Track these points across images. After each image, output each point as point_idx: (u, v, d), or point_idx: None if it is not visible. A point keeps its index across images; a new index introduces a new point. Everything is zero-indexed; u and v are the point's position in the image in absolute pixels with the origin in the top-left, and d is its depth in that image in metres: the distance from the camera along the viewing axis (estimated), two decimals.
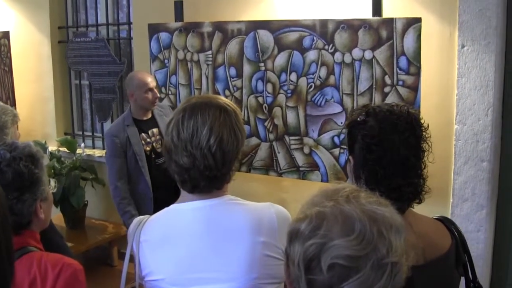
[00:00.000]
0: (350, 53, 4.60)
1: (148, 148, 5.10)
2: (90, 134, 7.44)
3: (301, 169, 5.00)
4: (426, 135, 2.14)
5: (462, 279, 2.29)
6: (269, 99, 5.04)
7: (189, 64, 5.47)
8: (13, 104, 7.29)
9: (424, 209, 2.22)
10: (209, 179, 2.12)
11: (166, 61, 5.62)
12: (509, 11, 4.29)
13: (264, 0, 5.26)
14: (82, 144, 7.11)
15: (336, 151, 4.79)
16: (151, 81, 5.06)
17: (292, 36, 4.84)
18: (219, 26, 5.24)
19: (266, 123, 5.10)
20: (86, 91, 7.40)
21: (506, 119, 4.41)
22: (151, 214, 2.31)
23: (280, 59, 4.93)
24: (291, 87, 4.91)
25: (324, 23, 4.68)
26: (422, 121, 2.15)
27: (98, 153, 7.06)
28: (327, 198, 1.45)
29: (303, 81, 4.84)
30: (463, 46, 4.35)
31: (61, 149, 7.14)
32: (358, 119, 2.14)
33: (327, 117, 4.78)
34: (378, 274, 1.32)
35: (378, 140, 2.05)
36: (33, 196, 2.24)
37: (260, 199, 2.30)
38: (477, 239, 4.47)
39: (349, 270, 1.32)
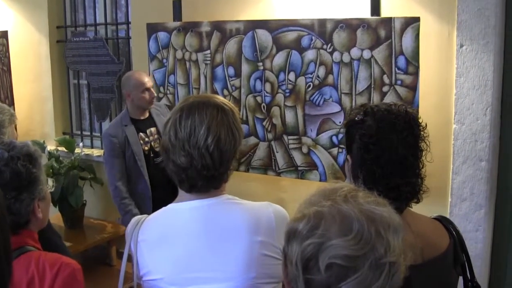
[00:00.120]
0: (349, 53, 4.60)
1: (146, 148, 5.09)
2: (89, 133, 7.44)
3: (299, 168, 5.00)
4: (424, 134, 2.13)
5: (460, 279, 2.29)
6: (268, 99, 5.04)
7: (187, 63, 5.47)
8: (12, 104, 7.30)
9: (422, 209, 2.22)
10: (206, 179, 2.12)
11: (164, 60, 5.62)
12: (508, 11, 4.29)
13: None
14: (81, 144, 7.10)
15: (335, 150, 4.79)
16: (148, 81, 5.04)
17: (291, 36, 4.84)
18: (218, 26, 5.24)
19: (264, 123, 5.10)
20: (85, 90, 7.40)
21: (504, 118, 4.41)
22: (150, 213, 2.31)
23: (279, 59, 4.93)
24: (290, 86, 4.90)
25: (322, 22, 4.68)
26: (420, 120, 2.15)
27: (96, 152, 7.06)
28: (325, 198, 1.45)
29: (301, 81, 4.84)
30: (461, 46, 4.35)
31: (59, 148, 7.14)
32: (356, 118, 2.13)
33: (326, 116, 4.78)
34: (376, 274, 1.32)
35: (376, 140, 2.05)
36: (31, 196, 2.23)
37: (259, 199, 2.30)
38: (475, 238, 4.47)
39: (347, 270, 1.31)
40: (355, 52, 4.57)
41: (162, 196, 4.30)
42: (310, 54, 4.77)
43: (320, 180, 4.88)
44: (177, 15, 5.61)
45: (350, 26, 4.56)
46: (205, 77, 5.38)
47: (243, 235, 2.10)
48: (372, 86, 4.53)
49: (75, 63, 7.12)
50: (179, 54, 5.51)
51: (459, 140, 4.45)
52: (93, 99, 7.06)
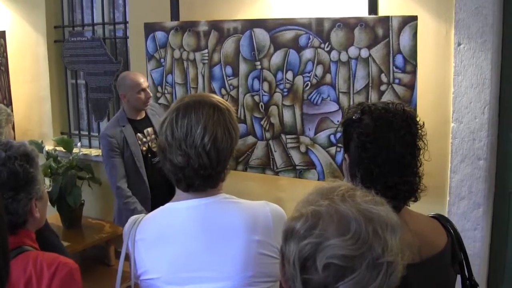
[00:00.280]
0: (346, 52, 4.60)
1: (144, 148, 5.08)
2: (87, 133, 7.43)
3: (297, 167, 5.00)
4: (422, 133, 2.13)
5: (458, 277, 2.29)
6: (265, 98, 5.04)
7: (185, 63, 5.47)
8: (10, 104, 7.28)
9: (420, 208, 2.22)
10: (203, 178, 2.12)
11: (162, 60, 5.62)
12: (505, 9, 4.29)
13: None
14: (79, 144, 7.10)
15: (333, 149, 4.79)
16: (143, 81, 5.03)
17: (288, 35, 4.84)
18: (215, 25, 5.24)
19: (262, 122, 5.10)
20: (83, 90, 7.40)
21: (502, 117, 4.41)
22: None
23: (276, 58, 4.93)
24: (287, 85, 4.90)
25: (320, 21, 4.68)
26: (417, 118, 2.14)
27: (94, 152, 7.05)
28: (323, 197, 1.44)
29: (299, 80, 4.84)
30: (459, 44, 4.35)
31: (57, 148, 7.14)
32: (354, 117, 2.13)
33: (324, 115, 4.78)
34: (373, 274, 1.32)
35: (374, 138, 2.05)
36: (28, 195, 2.23)
37: (257, 198, 2.30)
38: (473, 237, 4.47)
39: (345, 270, 1.32)
40: (352, 51, 4.57)
41: (160, 196, 4.29)
42: (308, 53, 4.77)
43: (318, 179, 4.89)
44: (175, 14, 5.61)
45: (348, 25, 4.56)
46: (203, 76, 5.38)
47: (240, 234, 2.10)
48: (370, 85, 4.53)
49: (73, 63, 7.11)
50: (176, 54, 5.51)
51: (457, 138, 4.45)
52: (91, 99, 7.06)
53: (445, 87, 4.47)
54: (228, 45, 5.18)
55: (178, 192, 2.21)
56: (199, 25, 5.33)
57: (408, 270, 1.42)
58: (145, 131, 5.13)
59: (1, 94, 7.45)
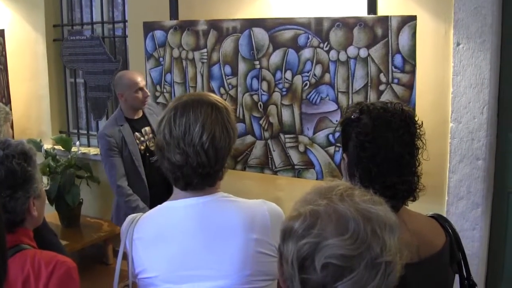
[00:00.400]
0: (345, 51, 4.59)
1: (142, 147, 5.07)
2: (85, 132, 7.43)
3: (296, 167, 5.00)
4: (421, 132, 2.13)
5: (457, 277, 2.28)
6: (264, 97, 5.04)
7: (184, 62, 5.47)
8: (8, 103, 7.28)
9: (419, 207, 2.22)
10: (202, 176, 2.12)
11: (161, 59, 5.62)
12: (504, 9, 4.29)
13: None
14: (77, 142, 7.10)
15: (331, 149, 4.79)
16: (140, 80, 5.02)
17: (287, 34, 4.84)
18: (214, 24, 5.24)
19: (261, 121, 5.10)
20: (81, 89, 7.40)
21: (501, 117, 4.41)
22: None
23: (275, 57, 4.92)
24: (286, 85, 4.90)
25: (319, 21, 4.68)
26: (416, 118, 2.14)
27: (93, 151, 7.04)
28: (321, 196, 1.44)
29: (298, 79, 4.84)
30: (458, 44, 4.35)
31: (56, 147, 7.14)
32: (352, 116, 2.13)
33: (322, 115, 4.78)
34: (372, 274, 1.32)
35: (372, 138, 2.04)
36: (26, 194, 2.23)
37: (255, 197, 2.29)
38: (472, 237, 4.47)
39: (343, 270, 1.31)
40: (351, 50, 4.57)
41: (158, 194, 4.28)
42: (306, 53, 4.76)
43: (317, 179, 4.89)
44: (174, 13, 5.61)
45: (347, 24, 4.56)
46: (202, 75, 5.38)
47: (238, 232, 2.10)
48: (369, 84, 4.52)
49: (71, 62, 7.11)
50: (175, 53, 5.51)
51: (455, 138, 4.45)
52: (89, 98, 7.06)
53: (444, 87, 4.47)
54: (227, 45, 5.18)
55: (176, 190, 2.21)
56: (198, 24, 5.33)
57: (407, 269, 1.42)
58: (142, 130, 5.12)
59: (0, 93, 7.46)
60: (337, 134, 4.70)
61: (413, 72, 4.33)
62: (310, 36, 4.72)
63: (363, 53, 4.52)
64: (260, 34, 4.98)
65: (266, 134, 5.10)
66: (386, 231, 1.37)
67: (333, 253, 1.32)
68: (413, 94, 4.34)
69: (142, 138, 5.09)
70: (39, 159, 6.30)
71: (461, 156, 4.45)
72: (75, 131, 7.51)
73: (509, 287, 4.63)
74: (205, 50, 5.32)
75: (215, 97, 2.24)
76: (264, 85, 5.02)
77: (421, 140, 2.13)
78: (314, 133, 4.84)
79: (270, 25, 4.92)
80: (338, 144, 4.70)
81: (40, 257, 2.14)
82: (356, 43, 4.54)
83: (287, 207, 1.55)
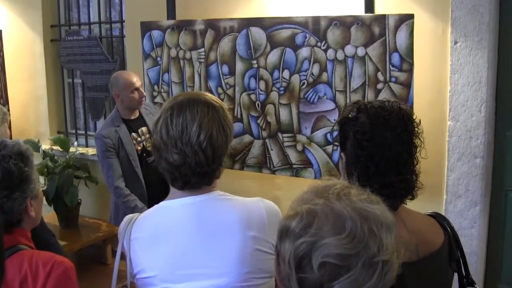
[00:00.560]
0: (343, 50, 4.59)
1: (139, 148, 5.06)
2: (83, 132, 7.43)
3: (294, 166, 5.00)
4: (418, 131, 2.13)
5: (455, 275, 2.28)
6: (262, 97, 5.04)
7: (181, 62, 5.47)
8: (6, 103, 7.27)
9: (417, 206, 2.21)
10: (200, 176, 2.13)
11: (158, 59, 5.61)
12: (502, 7, 4.29)
13: None
14: (75, 143, 7.09)
15: (329, 148, 4.79)
16: (136, 81, 5.01)
17: (285, 33, 4.83)
18: (212, 24, 5.23)
19: (259, 121, 5.10)
20: (79, 89, 7.39)
21: (499, 115, 4.42)
22: None
23: (273, 56, 4.92)
24: (284, 84, 4.90)
25: (316, 20, 4.67)
26: (414, 116, 2.14)
27: (91, 151, 7.03)
28: (318, 195, 1.44)
29: (295, 78, 4.84)
30: (455, 43, 4.35)
31: (54, 147, 7.13)
32: (350, 115, 2.12)
33: (320, 114, 4.78)
34: (369, 273, 1.32)
35: (370, 136, 2.04)
36: (23, 194, 2.23)
37: (253, 197, 2.29)
38: (470, 235, 4.48)
39: (340, 269, 1.31)
40: (349, 49, 4.57)
41: (156, 194, 4.28)
42: (304, 52, 4.76)
43: (315, 178, 4.88)
44: (171, 13, 5.61)
45: (344, 23, 4.56)
46: (199, 75, 5.38)
47: (235, 230, 2.10)
48: (367, 83, 4.52)
49: (69, 62, 7.11)
50: (173, 53, 5.51)
51: (453, 137, 4.45)
52: (87, 98, 7.06)
53: (442, 86, 4.47)
54: (225, 44, 5.17)
55: (173, 190, 2.21)
56: (195, 24, 5.33)
57: (406, 268, 1.42)
58: (139, 130, 5.12)
59: None
60: (335, 133, 4.70)
61: (410, 70, 4.33)
62: (307, 35, 4.72)
63: (360, 51, 4.52)
64: (258, 34, 4.97)
65: (264, 134, 5.10)
66: (383, 230, 1.37)
67: (330, 252, 1.31)
68: (411, 93, 4.34)
69: (139, 139, 5.08)
70: (37, 159, 6.31)
71: (459, 154, 4.45)
72: (73, 131, 7.51)
73: (508, 285, 4.64)
74: (202, 49, 5.32)
75: (211, 96, 2.25)
76: (262, 85, 5.02)
77: (419, 139, 2.13)
78: (312, 132, 4.84)
79: (268, 24, 4.92)
80: (336, 143, 4.70)
81: (37, 258, 2.14)
82: (354, 42, 4.53)
83: (285, 206, 1.55)
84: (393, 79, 4.40)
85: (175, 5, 5.60)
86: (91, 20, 7.02)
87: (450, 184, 4.52)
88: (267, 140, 5.09)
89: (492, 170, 4.50)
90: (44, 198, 4.95)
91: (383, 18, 4.39)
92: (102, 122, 6.48)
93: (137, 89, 4.99)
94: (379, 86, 4.47)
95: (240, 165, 5.27)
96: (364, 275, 1.31)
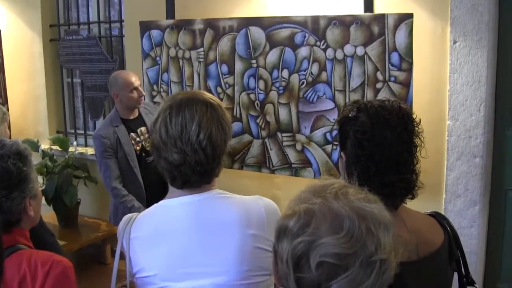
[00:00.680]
0: (342, 49, 4.59)
1: (138, 148, 5.06)
2: (83, 132, 7.43)
3: (293, 166, 5.00)
4: (419, 130, 2.12)
5: (455, 275, 2.28)
6: (261, 96, 5.04)
7: (180, 61, 5.46)
8: (5, 103, 7.27)
9: (417, 205, 2.21)
10: (200, 174, 2.13)
11: (157, 58, 5.61)
12: (501, 6, 4.29)
13: None
14: (75, 142, 7.08)
15: (329, 147, 4.79)
16: (135, 80, 5.01)
17: (284, 33, 4.83)
18: (211, 23, 5.23)
19: (258, 120, 5.10)
20: (78, 89, 7.40)
21: (498, 114, 4.42)
22: None
23: (272, 56, 4.92)
24: (283, 83, 4.90)
25: (315, 19, 4.67)
26: (414, 116, 2.14)
27: (90, 151, 7.02)
28: (315, 195, 1.44)
29: (295, 78, 4.83)
30: (455, 42, 4.35)
31: (53, 147, 7.13)
32: (350, 115, 2.12)
33: (319, 113, 4.77)
34: (367, 272, 1.32)
35: (370, 136, 2.04)
36: (22, 194, 2.23)
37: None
38: (470, 235, 4.47)
39: (338, 268, 1.32)
40: (348, 48, 4.56)
41: (155, 194, 4.26)
42: (303, 51, 4.76)
43: (314, 177, 4.88)
44: (170, 13, 5.60)
45: (343, 22, 4.55)
46: (199, 74, 5.37)
47: (235, 229, 2.11)
48: (366, 82, 4.52)
49: (68, 62, 7.11)
50: (172, 52, 5.50)
51: (453, 136, 4.45)
52: (86, 98, 7.06)
53: (441, 85, 4.47)
54: (224, 43, 5.17)
55: (171, 189, 2.22)
56: (194, 24, 5.33)
57: (406, 268, 1.42)
58: (138, 130, 5.12)
59: None
60: (334, 133, 4.70)
61: (410, 70, 4.33)
62: (306, 34, 4.72)
63: (360, 51, 4.51)
64: (257, 33, 4.97)
65: (263, 133, 5.09)
66: (381, 229, 1.37)
67: (328, 251, 1.32)
68: (410, 92, 4.34)
69: (137, 139, 5.08)
70: (37, 159, 6.31)
71: (458, 153, 4.45)
72: (72, 131, 7.51)
73: (507, 284, 4.64)
74: (201, 49, 5.31)
75: (209, 95, 2.26)
76: (261, 84, 5.02)
77: (419, 138, 2.12)
78: (311, 131, 4.83)
79: (267, 24, 4.91)
80: (336, 143, 4.70)
81: (36, 257, 2.14)
82: (353, 41, 4.53)
83: (285, 206, 1.55)
84: (392, 79, 4.40)
85: (174, 4, 5.59)
86: (90, 20, 7.02)
87: (450, 183, 4.52)
88: (266, 140, 5.09)
89: (491, 169, 4.50)
90: (43, 197, 4.95)
91: (382, 17, 4.38)
92: (101, 121, 6.47)
93: (136, 88, 4.99)
94: (378, 85, 4.47)
95: (239, 164, 5.27)
96: (362, 275, 1.32)
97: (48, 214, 6.52)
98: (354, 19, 4.50)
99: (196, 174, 2.13)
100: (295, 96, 4.85)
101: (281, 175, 5.15)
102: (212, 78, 5.30)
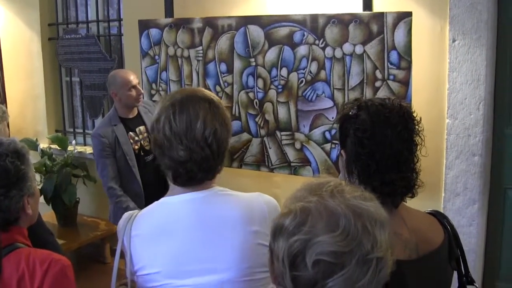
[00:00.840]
0: (341, 48, 4.59)
1: (136, 147, 5.06)
2: (81, 131, 7.43)
3: (292, 164, 5.00)
4: (419, 129, 2.12)
5: (455, 273, 2.28)
6: (260, 95, 5.04)
7: (179, 60, 5.46)
8: (4, 102, 7.28)
9: (416, 204, 2.21)
10: (206, 171, 2.15)
11: (156, 57, 5.61)
12: (500, 5, 4.29)
13: None
14: (73, 141, 7.08)
15: (328, 146, 4.79)
16: (133, 78, 5.00)
17: (283, 31, 4.83)
18: (209, 22, 5.23)
19: (257, 119, 5.09)
20: (77, 88, 7.40)
21: (497, 113, 4.41)
22: None
23: (271, 54, 4.92)
24: (282, 82, 4.90)
25: (314, 18, 4.67)
26: (414, 114, 2.14)
27: (89, 150, 7.02)
28: (311, 193, 1.45)
29: (294, 76, 4.83)
30: (454, 40, 4.35)
31: (52, 146, 7.12)
32: (350, 113, 2.12)
33: (318, 112, 4.77)
34: (363, 270, 1.32)
35: (371, 134, 2.04)
36: (20, 192, 2.23)
37: None
38: (469, 233, 4.47)
39: (334, 266, 1.32)
40: (347, 47, 4.56)
41: (153, 193, 4.26)
42: (302, 50, 4.76)
43: (313, 176, 4.87)
44: (169, 11, 5.60)
45: (342, 21, 4.55)
46: (197, 73, 5.37)
47: (237, 225, 2.12)
48: (365, 81, 4.52)
49: (67, 61, 7.11)
50: (171, 51, 5.50)
51: (452, 135, 4.44)
52: (85, 97, 7.06)
53: (440, 83, 4.47)
54: (223, 42, 5.17)
55: (172, 186, 2.22)
56: (193, 22, 5.32)
57: (406, 266, 1.42)
58: (137, 129, 5.11)
59: None
60: (333, 131, 4.70)
61: (409, 68, 4.32)
62: (305, 33, 4.72)
63: (358, 49, 4.51)
64: (256, 32, 4.97)
65: (262, 132, 5.09)
66: (377, 227, 1.37)
67: (324, 249, 1.32)
68: (409, 91, 4.33)
69: (136, 138, 5.07)
70: (35, 158, 6.31)
71: (457, 152, 4.45)
72: (71, 130, 7.51)
73: (506, 283, 4.64)
74: (200, 48, 5.31)
75: (208, 92, 2.29)
76: (260, 83, 5.02)
77: (420, 136, 2.12)
78: (310, 130, 4.83)
79: (266, 22, 4.91)
80: (335, 141, 4.70)
81: (34, 256, 2.14)
82: (352, 40, 4.53)
83: (283, 204, 1.55)
84: (391, 77, 4.40)
85: (173, 3, 5.59)
86: (89, 19, 7.02)
87: (449, 182, 4.52)
88: (265, 138, 5.09)
89: (490, 168, 4.50)
90: (41, 196, 4.94)
91: (381, 16, 4.38)
92: (100, 120, 6.46)
93: (134, 86, 4.99)
94: (377, 84, 4.47)
95: (238, 163, 5.27)
96: (358, 273, 1.32)
97: (47, 213, 6.52)
98: (353, 18, 4.50)
99: (202, 171, 2.14)
100: (294, 95, 4.85)
101: (280, 174, 5.16)
102: (211, 77, 5.29)
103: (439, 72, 4.46)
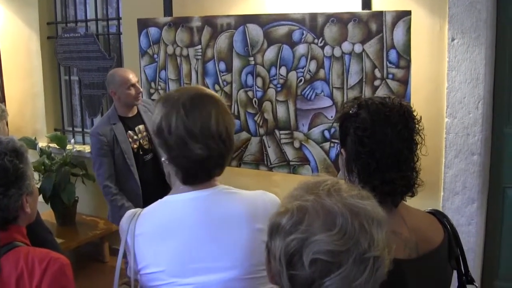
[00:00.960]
0: (340, 47, 4.59)
1: (135, 146, 5.04)
2: (80, 130, 7.42)
3: (291, 163, 5.00)
4: (419, 128, 2.12)
5: (454, 272, 2.28)
6: (259, 94, 5.03)
7: (178, 59, 5.46)
8: (3, 100, 7.28)
9: (415, 203, 2.21)
10: (220, 166, 2.20)
11: (155, 56, 5.61)
12: (499, 4, 4.29)
13: None
14: (72, 140, 7.08)
15: (327, 145, 4.78)
16: (132, 77, 5.00)
17: (282, 30, 4.83)
18: (208, 21, 5.22)
19: (256, 118, 5.09)
20: (76, 86, 7.40)
21: (496, 112, 4.41)
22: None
23: (270, 53, 4.91)
24: (281, 81, 4.89)
25: (313, 16, 4.67)
26: (414, 113, 2.13)
27: (88, 149, 6.97)
28: (308, 192, 1.45)
29: (293, 75, 4.83)
30: (453, 39, 4.35)
31: (51, 145, 7.12)
32: (350, 111, 2.12)
33: (317, 111, 4.77)
34: (360, 269, 1.32)
35: (371, 133, 2.03)
36: (18, 191, 2.22)
37: None
38: (468, 232, 4.48)
39: (331, 265, 1.32)
40: (346, 46, 4.56)
41: (152, 192, 4.28)
42: (301, 49, 4.76)
43: (312, 175, 4.87)
44: (168, 10, 5.60)
45: (341, 20, 4.55)
46: (196, 72, 5.37)
47: (242, 223, 2.13)
48: (364, 80, 4.52)
49: (66, 59, 7.10)
50: (170, 50, 5.50)
51: (451, 134, 4.45)
52: (84, 95, 7.05)
53: (439, 82, 4.47)
54: (222, 41, 5.17)
55: (177, 185, 2.22)
56: (192, 21, 5.32)
57: (405, 266, 1.42)
58: (136, 128, 5.10)
59: None
60: (332, 130, 4.70)
61: (408, 67, 4.32)
62: (304, 32, 4.71)
63: (357, 48, 4.51)
64: (255, 30, 4.97)
65: (261, 131, 5.09)
66: (374, 225, 1.37)
67: (321, 248, 1.32)
68: (408, 90, 4.33)
69: (135, 137, 5.06)
70: (34, 157, 6.31)
71: (456, 151, 4.45)
72: (70, 128, 7.51)
73: (505, 282, 4.64)
74: (199, 46, 5.31)
75: (209, 90, 2.31)
76: (259, 81, 5.01)
77: (420, 135, 2.12)
78: (309, 129, 4.83)
79: (265, 21, 4.91)
80: (334, 140, 4.70)
81: (33, 254, 2.14)
82: (351, 39, 4.53)
83: None
84: (390, 76, 4.40)
85: (171, 2, 5.59)
86: (88, 17, 7.02)
87: (448, 181, 4.52)
88: (264, 137, 5.09)
89: (489, 167, 4.50)
90: (40, 195, 4.93)
91: (380, 14, 4.38)
92: (99, 119, 6.46)
93: (133, 85, 4.98)
94: (376, 83, 4.47)
95: (237, 162, 5.27)
96: (355, 271, 1.32)
97: (46, 212, 6.52)
98: (352, 17, 4.50)
99: (218, 167, 2.18)
100: (293, 94, 4.85)
101: (279, 173, 5.15)
102: (210, 76, 5.29)
103: (438, 71, 4.46)
